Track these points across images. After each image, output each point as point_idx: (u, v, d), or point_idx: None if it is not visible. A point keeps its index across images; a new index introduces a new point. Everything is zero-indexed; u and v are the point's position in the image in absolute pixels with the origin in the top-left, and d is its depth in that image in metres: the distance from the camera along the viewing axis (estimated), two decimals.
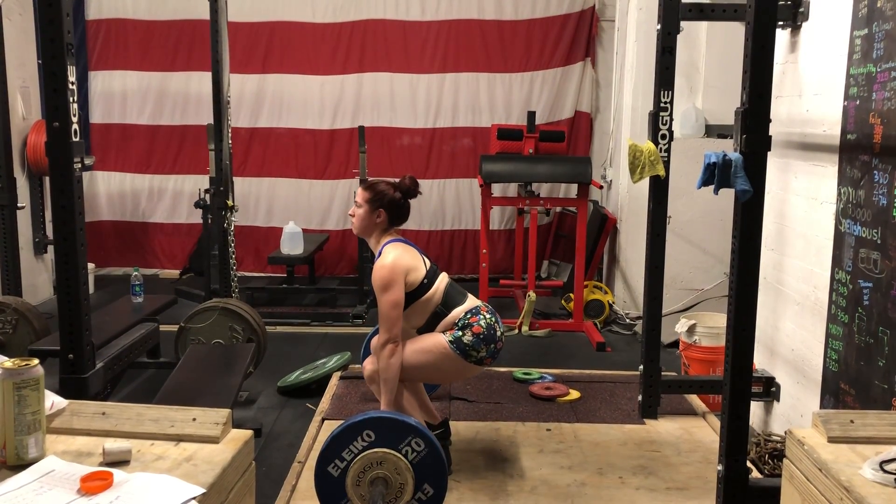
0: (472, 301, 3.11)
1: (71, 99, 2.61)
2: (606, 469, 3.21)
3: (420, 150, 7.05)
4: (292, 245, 6.11)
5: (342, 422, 2.56)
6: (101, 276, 6.92)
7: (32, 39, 5.94)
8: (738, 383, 2.44)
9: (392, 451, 2.44)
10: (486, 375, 4.34)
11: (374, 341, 3.04)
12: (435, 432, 3.17)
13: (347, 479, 2.42)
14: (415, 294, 3.01)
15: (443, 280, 3.11)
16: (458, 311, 3.04)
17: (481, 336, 2.99)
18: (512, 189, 6.78)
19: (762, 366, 3.82)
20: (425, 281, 3.03)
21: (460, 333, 2.99)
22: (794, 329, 3.53)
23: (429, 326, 3.07)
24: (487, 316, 3.05)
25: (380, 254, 3.05)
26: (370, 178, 3.23)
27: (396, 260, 2.98)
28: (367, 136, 6.32)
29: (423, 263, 3.08)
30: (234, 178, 4.90)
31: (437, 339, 3.01)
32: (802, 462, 1.66)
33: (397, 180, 3.15)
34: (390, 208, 3.09)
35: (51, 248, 5.96)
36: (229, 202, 4.53)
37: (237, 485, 1.53)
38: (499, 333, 3.06)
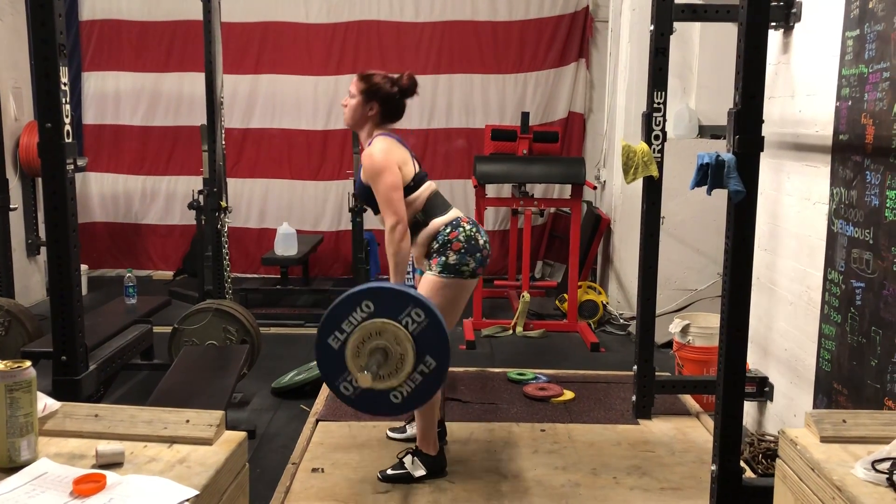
0: (453, 213, 3.05)
1: (63, 100, 2.60)
2: (600, 469, 3.22)
3: (414, 150, 6.96)
4: (286, 246, 6.10)
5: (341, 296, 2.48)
6: (95, 278, 6.91)
7: (25, 40, 5.92)
8: (732, 383, 2.44)
9: (391, 322, 2.36)
10: (480, 376, 4.34)
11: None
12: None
13: (347, 351, 2.36)
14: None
15: (428, 187, 3.05)
16: (437, 223, 2.98)
17: (462, 250, 2.96)
18: (506, 190, 6.78)
19: (755, 366, 3.83)
20: (412, 183, 2.98)
21: (444, 258, 2.95)
22: (788, 329, 3.54)
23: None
24: (467, 227, 3.00)
25: (369, 145, 2.98)
26: (368, 70, 3.14)
27: (387, 148, 2.93)
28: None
29: (413, 163, 3.03)
30: (228, 179, 4.89)
31: (428, 280, 2.97)
32: (795, 462, 1.66)
33: (396, 75, 3.07)
34: (384, 102, 3.01)
35: (43, 250, 5.93)
36: (223, 203, 4.53)
37: (231, 487, 1.53)
38: (482, 242, 3.01)
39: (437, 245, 2.98)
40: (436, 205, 3.04)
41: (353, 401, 2.47)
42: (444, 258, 2.97)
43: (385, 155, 2.92)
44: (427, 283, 2.99)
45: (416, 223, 3.00)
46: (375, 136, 3.01)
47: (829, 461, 1.57)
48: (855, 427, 1.70)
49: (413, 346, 2.36)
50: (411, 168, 3.01)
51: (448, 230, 2.99)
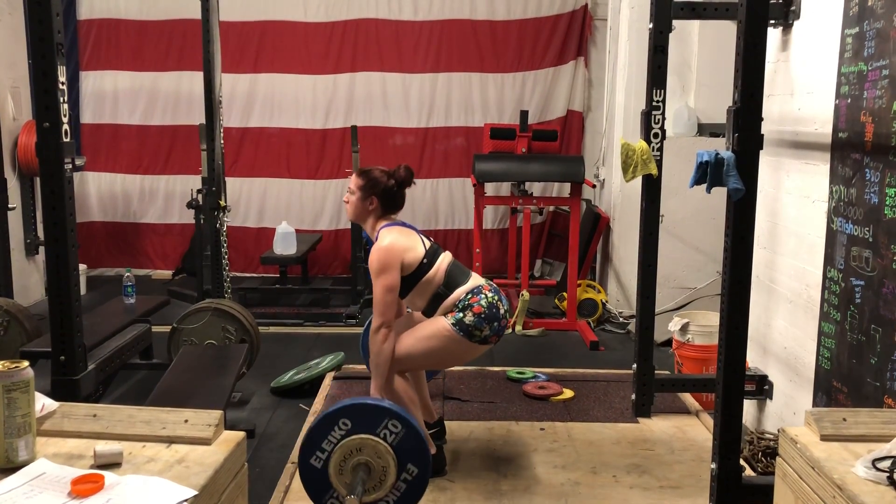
0: (474, 280, 3.07)
1: (61, 99, 2.60)
2: (600, 468, 3.22)
3: (413, 149, 7.04)
4: (285, 245, 6.10)
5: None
6: (93, 277, 6.90)
7: (23, 39, 5.91)
8: (731, 381, 2.44)
9: (370, 436, 2.41)
10: (479, 375, 4.34)
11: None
12: (431, 431, 3.17)
13: (330, 470, 2.41)
14: (415, 275, 2.98)
15: (445, 259, 3.07)
16: (459, 292, 3.00)
17: (482, 315, 2.96)
18: (505, 188, 6.78)
19: (755, 364, 3.82)
20: (425, 261, 2.99)
21: (461, 315, 2.96)
22: (787, 327, 3.54)
23: (431, 308, 3.04)
24: (489, 294, 3.01)
25: (376, 238, 3.03)
26: (365, 166, 3.20)
27: (392, 243, 2.96)
28: (360, 135, 6.32)
29: (421, 244, 3.04)
30: (226, 179, 4.88)
31: (440, 324, 2.98)
32: (795, 460, 1.66)
33: (392, 169, 3.12)
34: (383, 196, 3.06)
35: (42, 249, 5.93)
36: (222, 202, 4.52)
37: (229, 486, 1.52)
38: (503, 311, 3.02)
39: (458, 308, 3.00)
40: (456, 275, 3.05)
41: None
42: (461, 314, 2.97)
43: (389, 252, 2.94)
44: (436, 325, 3.00)
45: (438, 296, 3.02)
46: (381, 229, 3.04)
47: (829, 459, 1.57)
48: (855, 425, 1.70)
49: (394, 457, 2.41)
50: (420, 249, 3.01)
51: (469, 296, 2.99)
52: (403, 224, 3.11)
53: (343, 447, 2.41)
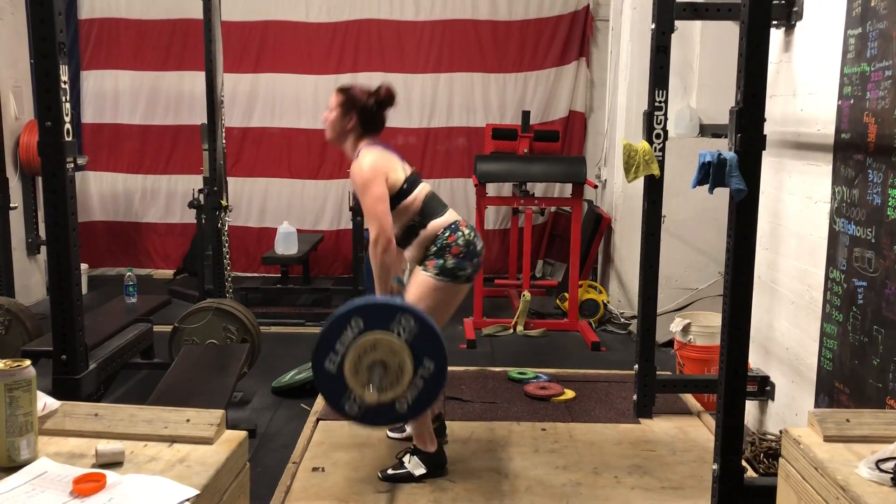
0: (451, 215, 3.05)
1: (63, 98, 2.59)
2: (601, 468, 3.21)
3: (415, 149, 7.03)
4: (286, 245, 6.10)
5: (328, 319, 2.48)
6: (95, 277, 6.90)
7: (24, 39, 5.91)
8: (733, 382, 2.44)
9: (383, 334, 2.38)
10: (480, 375, 4.34)
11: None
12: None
13: (346, 371, 2.37)
14: (395, 198, 2.96)
15: (424, 189, 3.05)
16: (436, 225, 2.99)
17: (461, 255, 2.97)
18: (506, 189, 6.78)
19: (757, 365, 3.82)
20: (405, 186, 2.98)
21: (441, 261, 2.96)
22: (789, 328, 3.54)
23: (405, 240, 3.02)
24: (466, 231, 3.01)
25: (357, 158, 3.00)
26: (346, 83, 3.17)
27: (375, 159, 2.94)
28: None
29: (402, 168, 3.03)
30: (227, 178, 4.88)
31: (424, 282, 2.97)
32: (798, 461, 1.66)
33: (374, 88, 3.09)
34: (362, 113, 3.03)
35: (44, 249, 5.92)
36: (223, 202, 4.52)
37: (231, 486, 1.52)
38: (479, 247, 3.04)
39: (436, 248, 2.99)
40: (433, 207, 3.04)
41: (360, 418, 2.48)
42: (441, 261, 2.97)
43: (372, 167, 2.92)
44: (421, 284, 2.99)
45: (414, 226, 3.00)
46: (361, 149, 3.02)
47: (832, 460, 1.57)
48: (858, 426, 1.69)
49: (409, 353, 2.37)
50: (401, 174, 3.00)
51: (447, 234, 2.99)
52: (385, 147, 3.07)
53: (357, 347, 2.36)
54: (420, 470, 3.08)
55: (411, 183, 3.01)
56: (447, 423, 3.50)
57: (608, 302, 5.91)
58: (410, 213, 2.99)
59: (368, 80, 6.98)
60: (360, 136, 3.05)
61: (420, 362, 2.39)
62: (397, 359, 2.36)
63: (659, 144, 3.52)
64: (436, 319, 3.19)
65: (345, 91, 3.06)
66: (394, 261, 2.96)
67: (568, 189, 6.38)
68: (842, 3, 3.04)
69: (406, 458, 3.11)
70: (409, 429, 3.42)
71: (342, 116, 3.04)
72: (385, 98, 3.05)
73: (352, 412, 2.45)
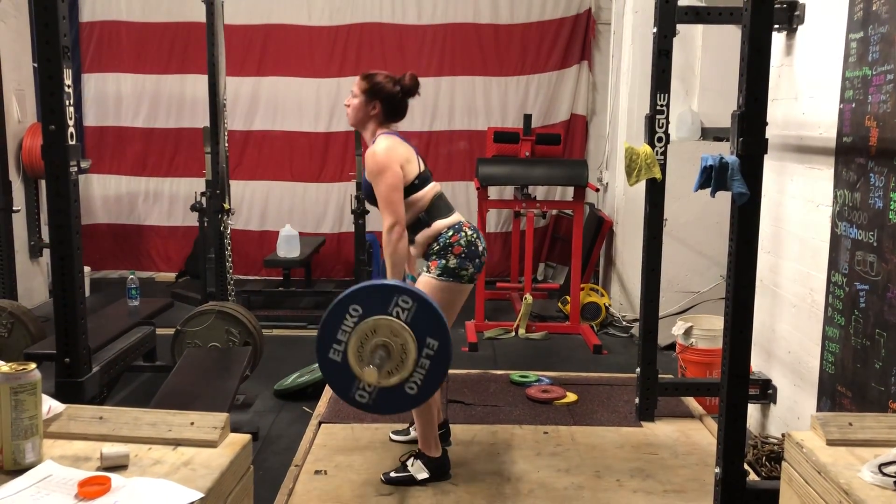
0: (455, 217, 3.06)
1: (67, 102, 2.60)
2: (604, 472, 3.21)
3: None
4: (289, 248, 6.10)
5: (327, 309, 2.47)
6: (97, 280, 6.91)
7: (28, 42, 5.93)
8: (735, 386, 2.44)
9: (382, 317, 2.37)
10: (482, 378, 4.34)
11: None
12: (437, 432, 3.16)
13: (350, 360, 2.36)
14: (407, 190, 2.96)
15: (433, 188, 3.06)
16: (440, 225, 3.00)
17: (463, 255, 2.97)
18: (508, 192, 6.78)
19: (759, 368, 3.82)
20: (416, 181, 2.98)
21: (444, 261, 2.97)
22: (791, 331, 3.54)
23: (410, 233, 3.01)
24: (468, 232, 3.02)
25: (373, 143, 2.99)
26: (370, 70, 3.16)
27: (390, 147, 2.94)
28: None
29: (417, 162, 3.03)
30: (230, 181, 4.89)
31: (427, 283, 2.97)
32: (801, 465, 1.66)
33: (399, 76, 3.08)
34: (386, 101, 3.02)
35: (46, 252, 5.94)
36: (225, 205, 4.53)
37: (235, 489, 1.52)
38: (481, 248, 3.05)
39: (438, 247, 2.99)
40: (440, 206, 3.05)
41: (372, 406, 2.47)
42: (443, 261, 2.97)
43: (387, 153, 2.92)
44: (424, 286, 2.99)
45: (419, 222, 3.01)
46: (379, 135, 3.02)
47: (835, 464, 1.57)
48: (861, 430, 1.69)
49: (410, 333, 2.36)
50: (415, 167, 3.01)
51: (450, 233, 3.00)
52: (403, 139, 3.07)
53: (358, 332, 2.36)
54: (423, 474, 3.08)
55: (423, 179, 3.02)
56: (450, 426, 3.50)
57: (610, 305, 5.91)
58: (417, 209, 3.00)
59: None
60: (382, 123, 3.05)
61: (423, 341, 2.38)
62: (399, 340, 2.36)
63: (661, 148, 3.52)
64: None
65: (369, 78, 3.04)
66: (406, 251, 2.95)
67: (569, 192, 6.38)
68: (843, 6, 3.05)
69: (410, 462, 3.11)
70: (413, 432, 3.43)
71: (366, 103, 3.03)
72: (410, 86, 3.04)
73: (362, 401, 2.44)
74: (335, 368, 2.40)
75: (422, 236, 3.01)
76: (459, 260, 2.97)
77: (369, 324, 2.36)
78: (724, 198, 2.38)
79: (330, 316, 2.40)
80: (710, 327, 4.13)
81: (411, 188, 2.98)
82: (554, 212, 7.07)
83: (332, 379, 2.44)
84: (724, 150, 2.39)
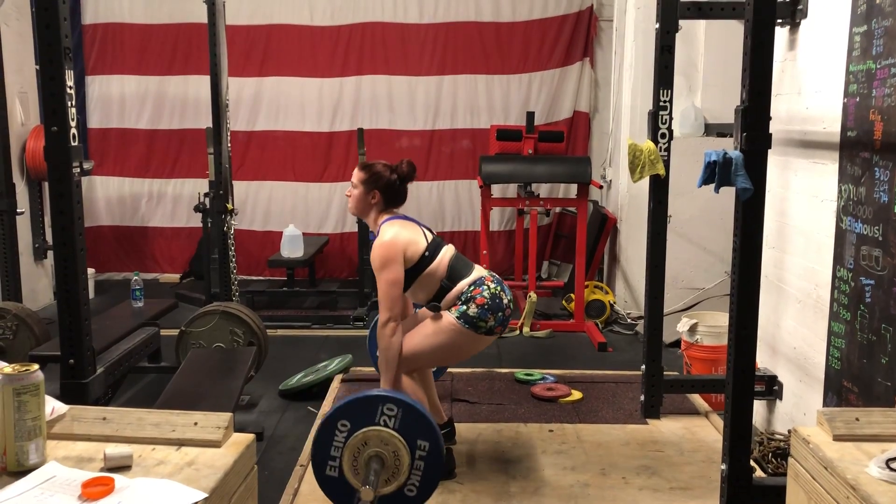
0: (477, 272, 3.07)
1: (69, 103, 2.60)
2: (609, 469, 3.21)
3: (419, 151, 7.04)
4: (292, 248, 6.10)
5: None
6: (101, 281, 6.92)
7: (30, 44, 5.93)
8: (741, 382, 2.43)
9: (370, 428, 2.40)
10: (487, 377, 4.33)
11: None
12: (441, 432, 3.16)
13: (347, 474, 2.40)
14: (417, 268, 2.98)
15: (448, 252, 3.07)
16: (461, 285, 3.01)
17: (486, 306, 2.97)
18: (511, 190, 6.78)
19: (764, 364, 3.81)
20: (426, 254, 2.99)
21: (465, 307, 2.96)
22: (796, 327, 3.53)
23: (435, 301, 3.04)
24: (492, 286, 3.02)
25: (378, 233, 3.03)
26: (368, 160, 3.21)
27: (394, 237, 2.96)
28: (366, 138, 6.33)
29: (423, 237, 3.04)
30: (233, 182, 4.89)
31: (445, 319, 2.98)
32: (808, 460, 1.65)
33: (395, 164, 3.12)
34: (385, 190, 3.07)
35: (50, 254, 5.95)
36: (229, 206, 4.53)
37: (239, 489, 1.52)
38: (506, 301, 3.03)
39: (460, 302, 3.00)
40: (458, 268, 3.05)
41: None
42: (464, 307, 2.98)
43: (390, 248, 2.94)
44: (440, 321, 3.00)
45: (442, 289, 3.02)
46: (382, 223, 3.05)
47: (842, 460, 1.56)
48: (868, 425, 1.69)
49: (400, 439, 2.40)
50: (421, 243, 3.02)
51: (472, 288, 3.00)
52: (406, 217, 3.10)
53: (349, 447, 2.40)
54: None
55: (433, 249, 3.03)
56: (455, 424, 3.50)
57: (614, 302, 5.90)
58: (437, 278, 3.01)
59: (372, 82, 7.02)
60: (383, 209, 3.10)
61: (414, 444, 2.42)
62: (391, 447, 2.39)
63: (664, 144, 3.51)
64: (443, 359, 3.23)
65: (367, 168, 3.10)
66: (400, 348, 2.97)
67: (573, 189, 6.38)
68: (847, 0, 3.03)
69: None
70: None
71: (366, 193, 3.08)
72: (407, 172, 3.10)
73: None
74: (334, 484, 2.44)
75: (445, 300, 3.02)
76: (481, 310, 2.97)
77: (359, 437, 2.40)
78: (729, 193, 2.37)
79: (320, 434, 2.45)
80: (714, 324, 4.12)
81: (422, 262, 2.99)
82: (557, 209, 7.06)
83: (333, 494, 2.48)
84: (728, 146, 2.38)
